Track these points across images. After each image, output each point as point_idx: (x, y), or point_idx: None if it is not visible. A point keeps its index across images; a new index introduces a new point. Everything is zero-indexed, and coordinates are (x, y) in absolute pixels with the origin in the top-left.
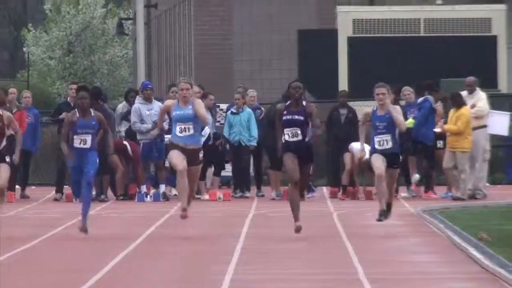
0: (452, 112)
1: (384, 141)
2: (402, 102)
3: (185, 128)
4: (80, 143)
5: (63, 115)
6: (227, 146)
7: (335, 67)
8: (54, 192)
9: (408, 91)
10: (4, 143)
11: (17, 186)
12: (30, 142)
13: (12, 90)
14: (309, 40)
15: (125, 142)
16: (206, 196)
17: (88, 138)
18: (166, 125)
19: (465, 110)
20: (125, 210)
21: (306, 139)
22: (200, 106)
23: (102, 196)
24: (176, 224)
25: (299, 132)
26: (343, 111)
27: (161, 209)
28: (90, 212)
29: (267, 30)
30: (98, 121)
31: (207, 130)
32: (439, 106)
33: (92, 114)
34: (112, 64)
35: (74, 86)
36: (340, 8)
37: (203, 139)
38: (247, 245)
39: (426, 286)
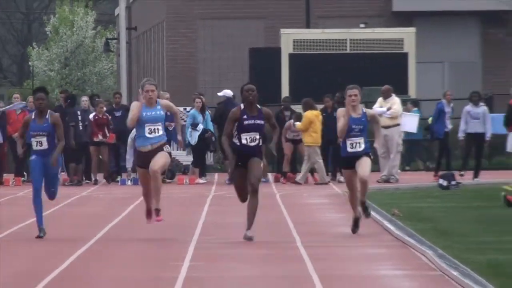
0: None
1: (357, 144)
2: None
3: (154, 129)
4: (36, 145)
5: None
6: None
7: (279, 77)
8: None
9: None
10: None
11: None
12: None
13: (16, 95)
14: (258, 56)
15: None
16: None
17: (43, 140)
18: None
19: (308, 113)
20: (109, 191)
21: (261, 144)
22: (171, 105)
23: (94, 180)
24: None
25: (257, 137)
26: (287, 113)
27: (139, 190)
28: (83, 193)
29: (224, 48)
30: (52, 123)
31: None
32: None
33: (47, 116)
34: (100, 75)
35: (62, 95)
36: (283, 31)
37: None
38: (208, 219)
39: (349, 252)
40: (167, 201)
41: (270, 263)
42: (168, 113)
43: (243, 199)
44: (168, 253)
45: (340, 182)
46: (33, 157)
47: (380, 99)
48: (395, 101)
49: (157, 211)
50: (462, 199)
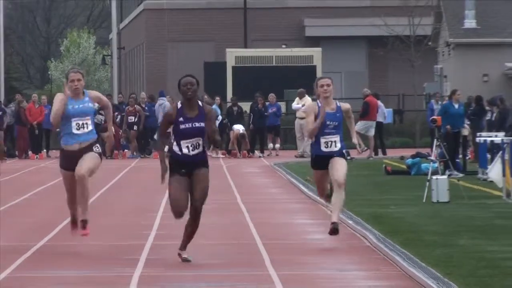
0: None
1: (333, 143)
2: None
3: (83, 124)
4: None
5: None
6: None
7: (225, 83)
8: None
9: (272, 96)
10: None
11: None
12: (49, 123)
13: (34, 95)
14: (210, 68)
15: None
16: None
17: None
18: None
19: None
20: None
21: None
22: (101, 96)
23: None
24: (136, 171)
25: (200, 142)
26: (235, 108)
27: (119, 163)
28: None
29: (186, 62)
30: None
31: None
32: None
33: None
34: (99, 81)
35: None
36: (228, 50)
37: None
38: None
39: (275, 206)
40: (147, 171)
41: (218, 214)
42: (97, 106)
43: (179, 214)
44: (145, 205)
45: (260, 157)
46: None
47: (297, 98)
48: (308, 100)
49: (84, 222)
50: (355, 169)
